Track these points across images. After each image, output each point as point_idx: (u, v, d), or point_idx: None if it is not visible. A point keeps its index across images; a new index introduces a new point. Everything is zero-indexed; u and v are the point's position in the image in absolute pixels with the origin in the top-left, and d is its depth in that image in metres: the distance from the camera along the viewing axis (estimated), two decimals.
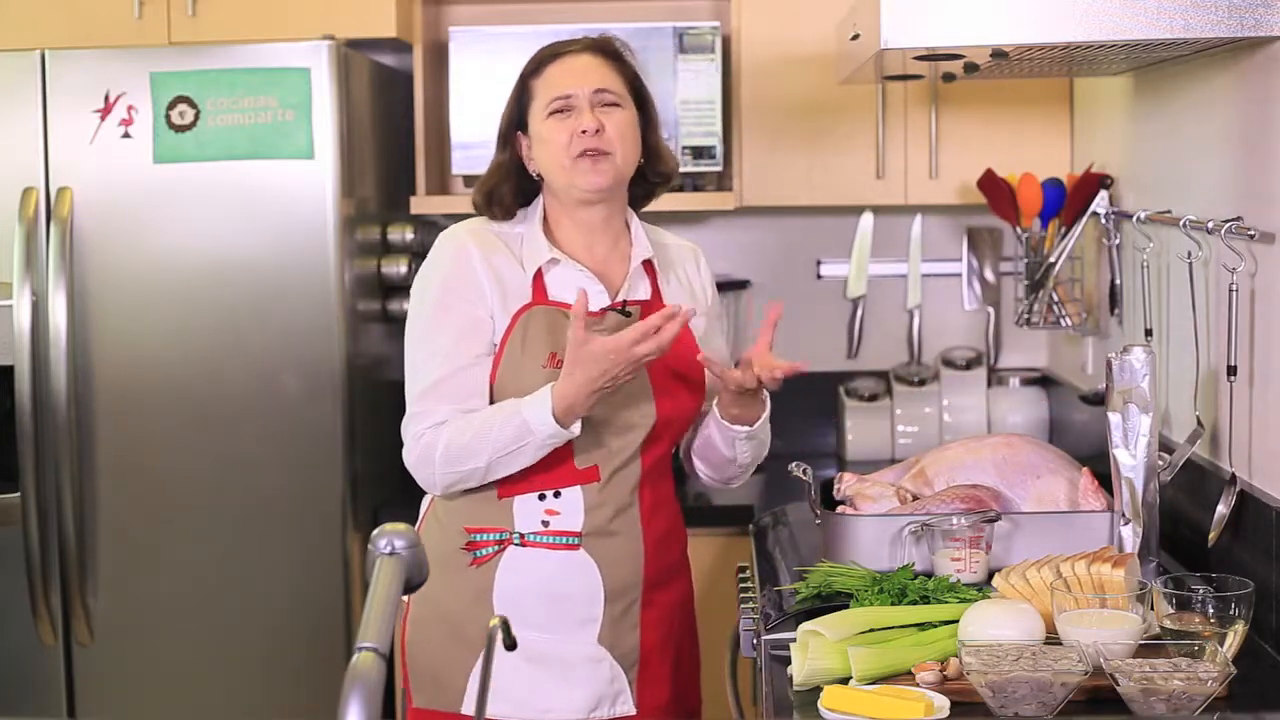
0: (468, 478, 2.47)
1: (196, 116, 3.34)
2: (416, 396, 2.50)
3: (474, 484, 2.48)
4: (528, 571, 2.50)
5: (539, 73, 2.54)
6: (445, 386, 2.48)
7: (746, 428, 2.56)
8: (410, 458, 2.51)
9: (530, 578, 2.50)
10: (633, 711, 2.55)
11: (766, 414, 2.57)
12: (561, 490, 2.49)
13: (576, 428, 2.41)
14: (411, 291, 2.58)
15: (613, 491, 2.51)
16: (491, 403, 2.49)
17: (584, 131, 2.48)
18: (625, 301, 2.54)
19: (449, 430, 2.45)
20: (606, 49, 2.57)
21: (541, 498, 2.49)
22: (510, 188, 2.57)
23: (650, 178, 2.63)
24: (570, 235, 2.56)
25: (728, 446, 2.61)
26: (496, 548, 2.50)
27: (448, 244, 2.55)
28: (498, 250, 2.52)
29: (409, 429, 2.51)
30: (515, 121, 2.57)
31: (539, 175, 2.55)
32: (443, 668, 2.53)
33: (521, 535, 2.50)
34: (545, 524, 2.50)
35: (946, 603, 2.33)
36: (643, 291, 2.58)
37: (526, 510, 2.50)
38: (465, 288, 2.49)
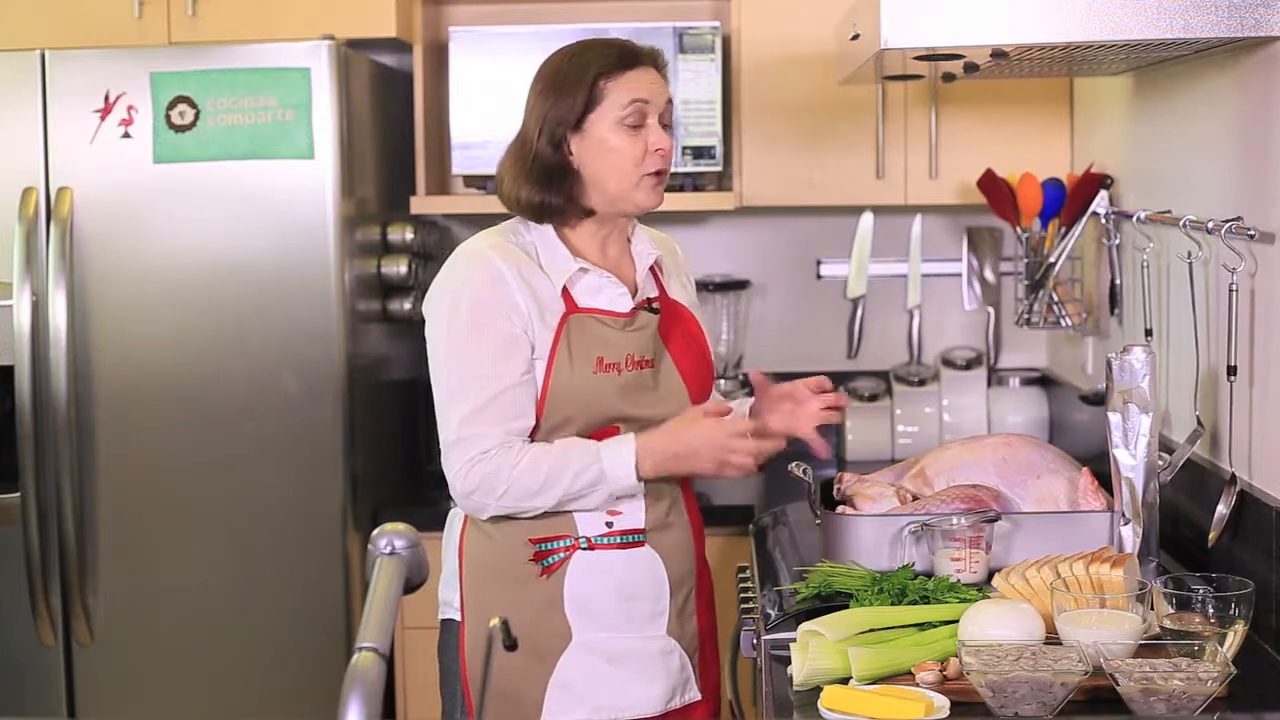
0: (526, 512, 2.45)
1: (196, 116, 3.34)
2: (461, 421, 2.43)
3: (528, 517, 2.47)
4: (598, 574, 2.49)
5: (614, 75, 2.46)
6: (492, 410, 2.42)
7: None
8: (464, 486, 2.43)
9: (601, 580, 2.49)
10: (698, 697, 2.58)
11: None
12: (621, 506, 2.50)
13: (643, 485, 2.45)
14: (434, 312, 2.50)
15: (666, 485, 2.54)
16: (540, 414, 2.46)
17: (658, 150, 2.46)
18: (650, 300, 2.56)
19: (516, 466, 2.40)
20: (663, 67, 2.54)
21: None
22: (570, 188, 2.49)
23: None
24: (586, 241, 2.54)
25: None
26: (564, 554, 2.48)
27: (475, 263, 2.47)
28: (524, 264, 2.47)
29: (456, 455, 2.43)
30: (572, 120, 2.46)
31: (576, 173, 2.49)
32: (517, 682, 2.48)
33: (588, 539, 2.48)
34: (609, 525, 2.49)
35: (946, 603, 2.33)
36: (652, 289, 2.59)
37: (588, 514, 2.48)
38: (500, 306, 2.43)
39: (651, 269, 2.60)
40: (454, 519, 2.58)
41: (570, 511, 2.47)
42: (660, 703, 2.52)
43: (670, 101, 2.52)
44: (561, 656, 2.48)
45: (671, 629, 2.55)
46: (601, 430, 2.48)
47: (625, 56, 2.48)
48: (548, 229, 2.52)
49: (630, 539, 2.50)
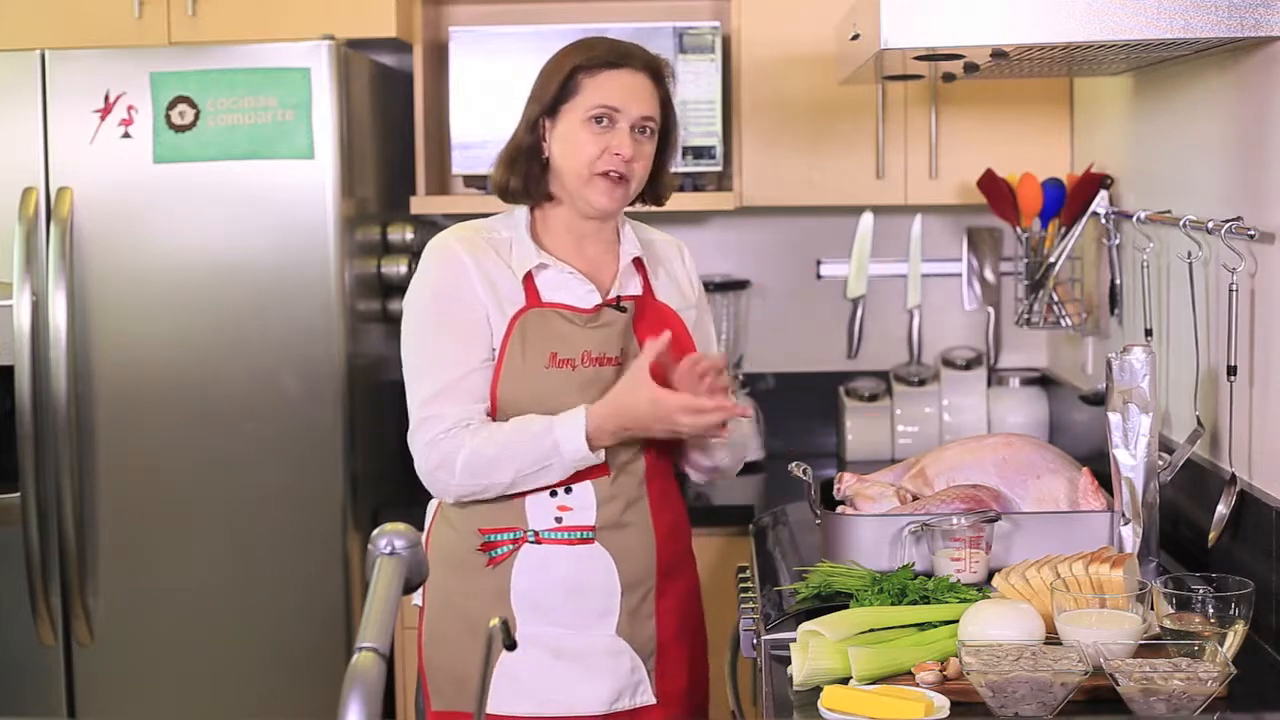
0: (487, 490, 2.48)
1: (196, 116, 3.34)
2: (422, 403, 2.50)
3: (491, 496, 2.49)
4: (544, 568, 2.51)
5: (594, 72, 2.50)
6: (452, 392, 2.48)
7: (707, 460, 2.64)
8: (426, 465, 2.50)
9: (547, 574, 2.51)
10: (653, 701, 2.57)
11: (745, 424, 2.63)
12: (573, 486, 2.50)
13: (601, 454, 2.46)
14: (405, 304, 2.58)
15: (623, 485, 2.53)
16: (493, 407, 2.50)
17: (617, 154, 2.49)
18: (619, 297, 2.56)
19: (472, 441, 2.45)
20: (659, 73, 2.56)
21: (553, 494, 2.50)
22: (534, 171, 2.54)
23: (644, 195, 2.64)
24: (561, 237, 2.57)
25: (705, 456, 2.65)
26: (512, 546, 2.51)
27: (438, 253, 2.55)
28: (487, 256, 2.53)
29: (419, 436, 2.50)
30: (549, 106, 2.52)
31: (545, 161, 2.54)
32: (464, 669, 2.53)
33: (536, 533, 2.51)
34: (559, 520, 2.51)
35: (946, 603, 2.33)
36: (634, 288, 2.60)
37: (539, 508, 2.51)
38: (461, 294, 2.50)
39: (641, 270, 2.60)
40: (429, 509, 2.64)
41: (523, 495, 2.48)
42: (605, 702, 2.52)
43: (656, 115, 2.53)
44: None
45: (622, 629, 2.54)
46: None
47: (611, 56, 2.51)
48: (521, 225, 2.56)
49: (579, 535, 2.51)
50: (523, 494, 2.50)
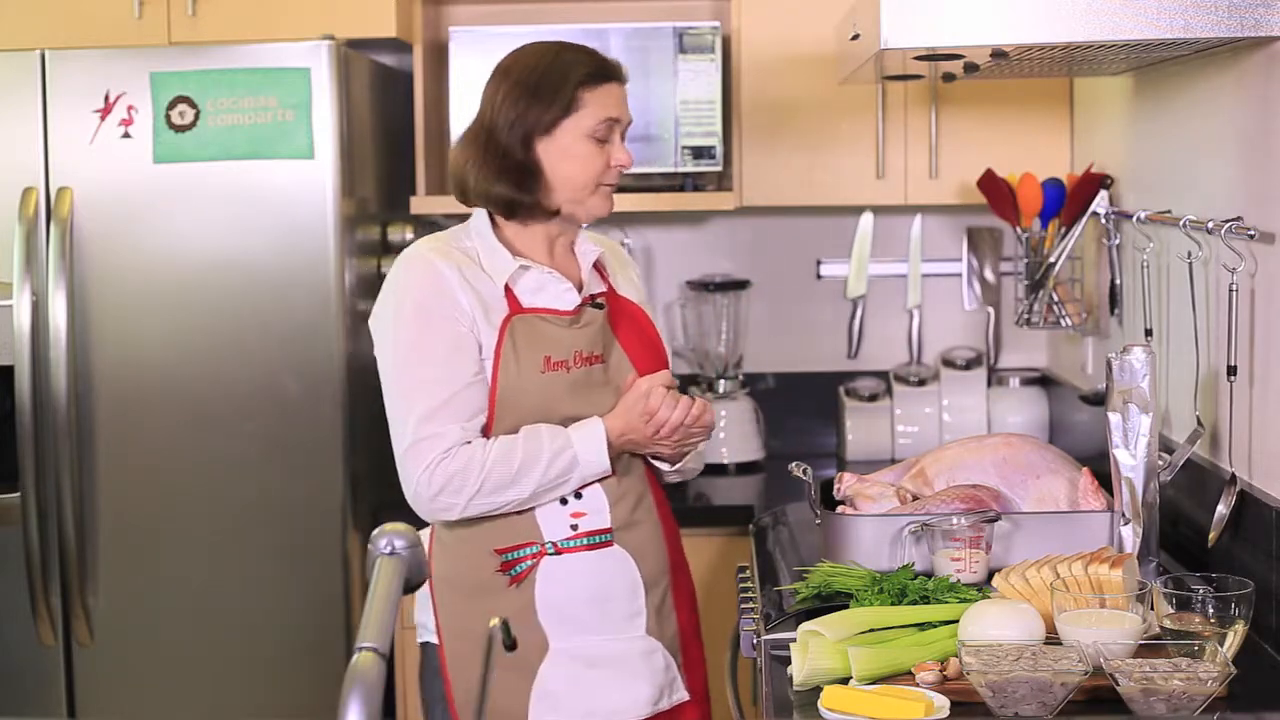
0: (501, 507, 2.43)
1: (196, 116, 3.34)
2: (417, 424, 2.41)
3: (501, 512, 2.45)
4: (568, 578, 2.47)
5: (592, 87, 2.48)
6: (447, 410, 2.41)
7: (668, 466, 2.61)
8: (426, 490, 2.41)
9: (571, 584, 2.47)
10: (686, 697, 2.57)
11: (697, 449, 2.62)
12: (582, 491, 2.49)
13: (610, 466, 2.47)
14: (380, 320, 2.48)
15: (628, 483, 2.53)
16: (491, 417, 2.45)
17: (620, 165, 2.50)
18: (594, 295, 2.56)
19: (485, 458, 2.39)
20: (626, 81, 2.57)
21: (564, 502, 2.48)
22: (527, 184, 2.49)
23: None
24: (531, 242, 2.54)
25: (672, 468, 2.64)
26: (532, 562, 2.46)
27: (415, 265, 2.47)
28: (466, 265, 2.48)
29: (416, 458, 2.41)
30: (546, 124, 2.47)
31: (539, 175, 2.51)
32: (500, 696, 2.46)
33: (554, 544, 2.47)
34: (574, 527, 2.48)
35: (946, 603, 2.33)
36: (597, 286, 2.59)
37: (552, 518, 2.47)
38: (445, 307, 2.43)
39: (597, 267, 2.61)
40: (425, 536, 2.55)
41: (533, 509, 2.46)
42: (648, 705, 2.51)
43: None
44: (541, 665, 2.46)
45: (651, 629, 2.53)
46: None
47: (603, 69, 2.50)
48: (488, 233, 2.52)
49: (598, 539, 2.49)
50: (533, 507, 2.47)
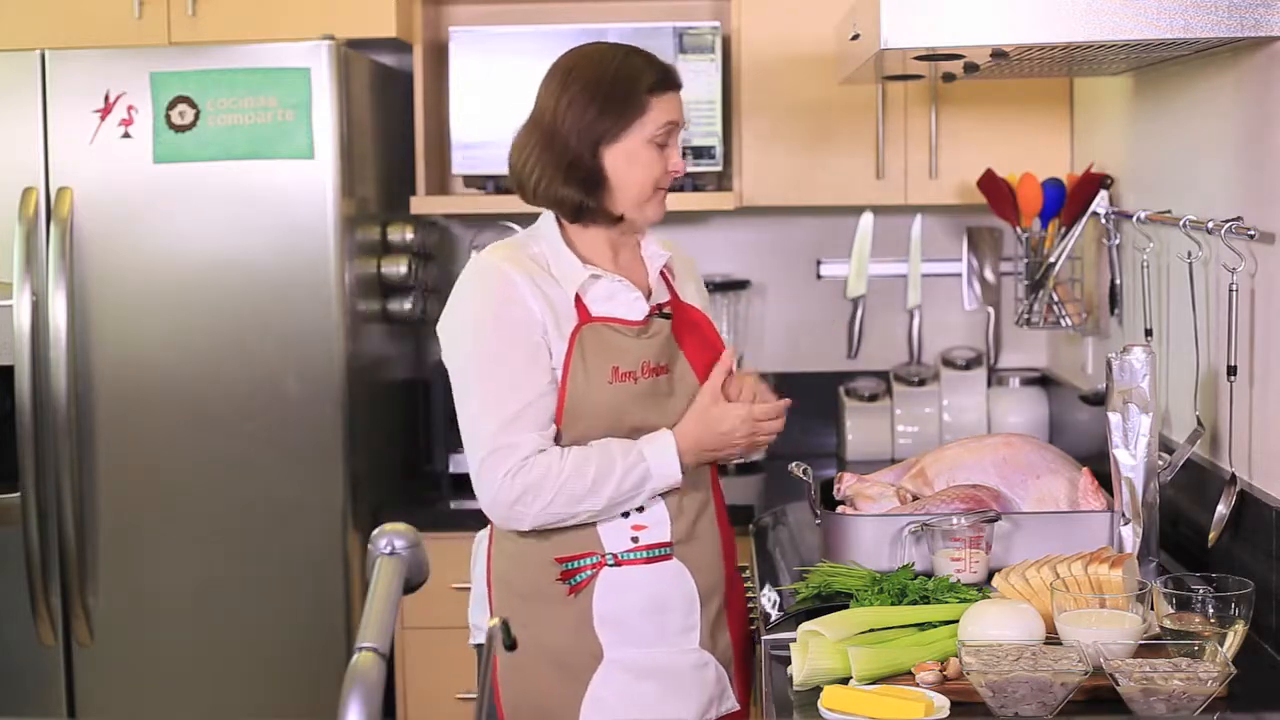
0: (576, 517, 2.42)
1: (196, 116, 3.34)
2: (495, 432, 2.39)
3: (574, 523, 2.43)
4: (626, 590, 2.46)
5: (658, 93, 2.46)
6: (524, 419, 2.39)
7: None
8: (506, 496, 2.39)
9: (628, 595, 2.46)
10: (736, 706, 2.56)
11: None
12: (645, 504, 2.48)
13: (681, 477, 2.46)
14: (455, 329, 2.47)
15: (693, 497, 2.52)
16: (559, 424, 2.43)
17: (675, 170, 2.49)
18: (661, 305, 2.54)
19: (561, 469, 2.38)
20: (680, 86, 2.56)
21: (626, 515, 2.46)
22: (594, 190, 2.47)
23: None
24: (595, 246, 2.52)
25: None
26: (591, 572, 2.45)
27: (490, 276, 2.45)
28: (537, 274, 2.45)
29: (494, 469, 2.39)
30: (617, 133, 2.45)
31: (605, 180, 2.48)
32: (551, 703, 2.46)
33: (614, 555, 2.46)
34: (635, 539, 2.46)
35: (946, 603, 2.33)
36: (663, 294, 2.57)
37: (613, 530, 2.46)
38: (519, 317, 2.41)
39: (661, 273, 2.59)
40: (480, 542, 2.55)
41: (594, 524, 2.45)
42: (696, 716, 2.50)
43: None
44: (594, 674, 2.45)
45: (704, 642, 2.51)
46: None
47: (668, 76, 2.48)
48: (556, 238, 2.50)
49: (657, 552, 2.47)
50: (598, 521, 2.46)
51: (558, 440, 2.44)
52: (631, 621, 2.46)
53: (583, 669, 2.45)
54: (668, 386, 2.49)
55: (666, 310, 2.54)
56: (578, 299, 2.46)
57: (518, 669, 2.47)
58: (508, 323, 2.41)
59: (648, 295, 2.52)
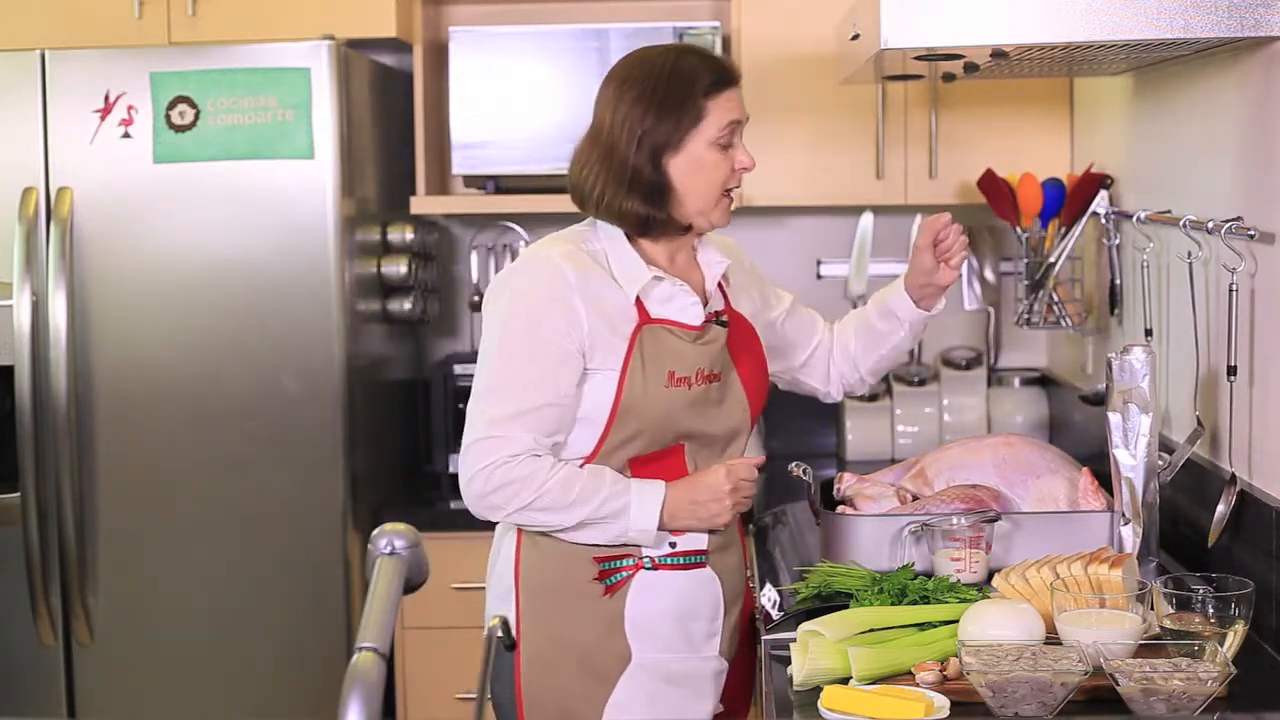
0: (542, 527, 2.40)
1: (196, 116, 3.34)
2: (496, 420, 2.35)
3: (539, 531, 2.41)
4: (659, 594, 2.44)
5: (716, 95, 2.40)
6: (529, 418, 2.36)
7: (926, 313, 2.78)
8: (484, 486, 2.35)
9: (661, 600, 2.44)
10: (720, 708, 2.55)
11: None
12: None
13: (663, 537, 2.43)
14: (494, 309, 2.42)
15: None
16: (609, 426, 2.40)
17: (743, 168, 2.44)
18: (718, 313, 2.50)
19: (550, 475, 2.34)
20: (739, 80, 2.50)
21: None
22: (657, 200, 2.41)
23: None
24: (656, 250, 2.48)
25: (893, 332, 2.81)
26: (629, 573, 2.43)
27: (542, 268, 2.40)
28: (593, 273, 2.40)
29: (480, 454, 2.36)
30: (676, 140, 2.39)
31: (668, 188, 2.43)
32: (574, 703, 2.43)
33: (652, 559, 2.43)
34: (673, 545, 2.44)
35: (946, 603, 2.33)
36: (719, 301, 2.54)
37: None
38: (560, 319, 2.36)
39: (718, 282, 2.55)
40: (505, 535, 2.50)
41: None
42: (709, 717, 2.50)
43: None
44: (621, 677, 2.44)
45: (723, 649, 2.51)
46: (665, 449, 2.43)
47: (724, 74, 2.42)
48: (619, 235, 2.45)
49: (693, 560, 2.45)
50: (568, 539, 2.42)
51: (605, 440, 2.40)
52: (661, 627, 2.44)
53: (610, 670, 2.43)
54: (718, 394, 2.46)
55: (724, 318, 2.50)
56: (638, 300, 2.41)
57: (542, 664, 2.44)
58: (546, 325, 2.36)
59: (704, 301, 2.48)
